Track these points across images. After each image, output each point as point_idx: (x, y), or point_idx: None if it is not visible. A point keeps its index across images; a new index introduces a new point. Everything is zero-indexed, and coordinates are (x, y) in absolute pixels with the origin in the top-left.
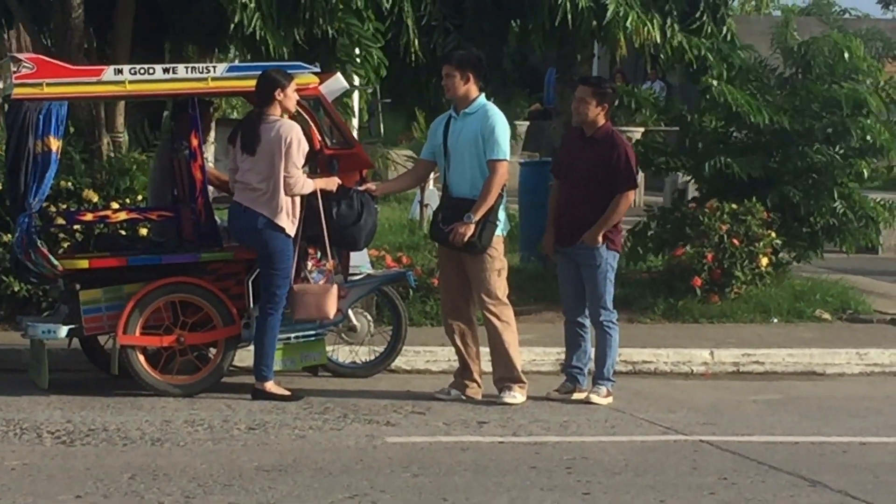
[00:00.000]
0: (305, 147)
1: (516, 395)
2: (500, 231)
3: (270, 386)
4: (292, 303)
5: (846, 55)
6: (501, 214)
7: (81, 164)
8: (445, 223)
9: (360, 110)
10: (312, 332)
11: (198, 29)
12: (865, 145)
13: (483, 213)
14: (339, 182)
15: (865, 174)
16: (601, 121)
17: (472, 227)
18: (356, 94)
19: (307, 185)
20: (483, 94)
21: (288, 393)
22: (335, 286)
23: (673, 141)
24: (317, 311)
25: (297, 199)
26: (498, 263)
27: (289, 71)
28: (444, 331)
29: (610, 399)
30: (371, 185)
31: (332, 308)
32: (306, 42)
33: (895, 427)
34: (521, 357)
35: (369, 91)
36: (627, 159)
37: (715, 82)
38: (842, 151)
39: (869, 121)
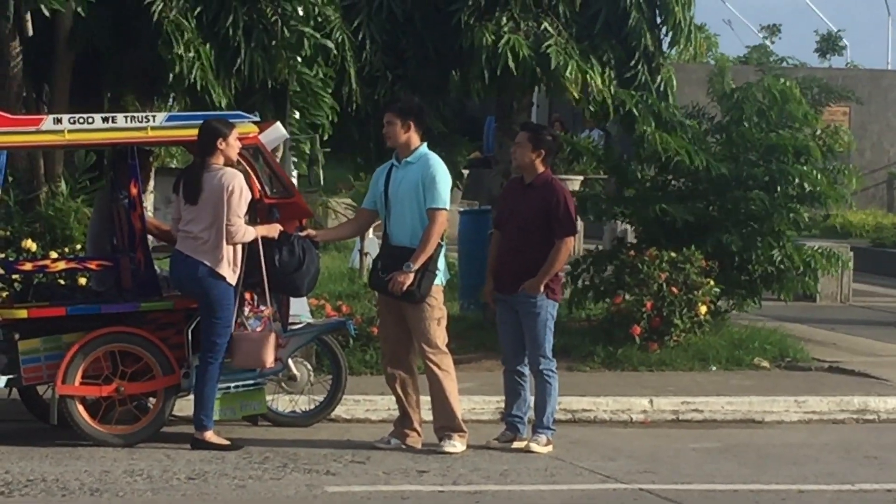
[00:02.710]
0: (248, 196)
1: (456, 444)
2: (439, 280)
3: (210, 435)
4: (230, 349)
5: (780, 100)
6: (441, 263)
7: (19, 212)
8: (385, 272)
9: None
10: (252, 382)
11: (137, 78)
12: (803, 193)
13: (422, 262)
14: (281, 229)
15: (802, 223)
16: (539, 167)
17: (412, 276)
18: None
19: (249, 233)
20: (425, 143)
21: (227, 442)
22: (273, 334)
23: (612, 189)
24: (254, 359)
25: (239, 248)
26: (437, 312)
27: (229, 120)
28: (385, 379)
29: (550, 448)
30: (311, 232)
31: (269, 356)
32: (244, 91)
33: (833, 475)
34: (461, 406)
35: (315, 138)
36: (566, 206)
37: (648, 129)
38: (779, 200)
39: (806, 167)
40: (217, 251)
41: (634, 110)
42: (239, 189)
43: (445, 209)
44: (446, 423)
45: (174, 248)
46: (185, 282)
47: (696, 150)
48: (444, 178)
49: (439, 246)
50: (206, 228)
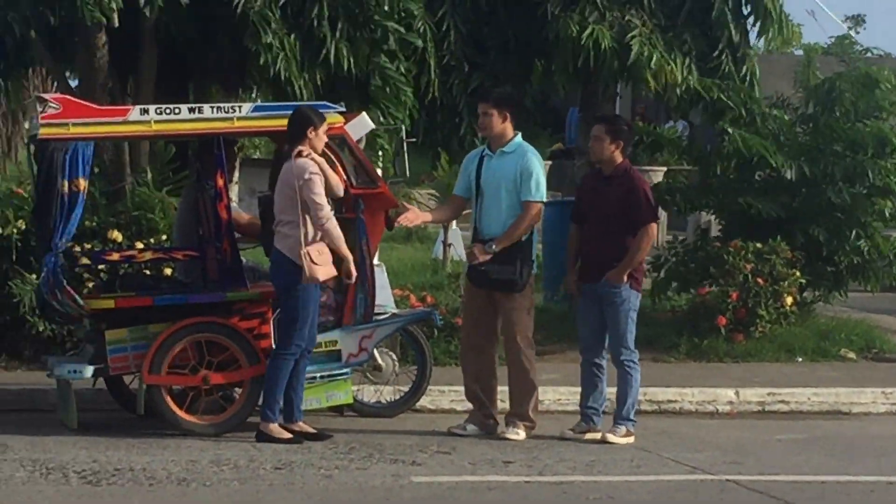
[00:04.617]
0: (321, 178)
1: (520, 433)
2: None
3: (273, 428)
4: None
5: (880, 87)
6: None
7: (105, 203)
8: (485, 263)
9: (385, 150)
10: (338, 372)
11: (221, 70)
12: (885, 186)
13: (504, 245)
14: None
15: (888, 213)
16: (618, 158)
17: (488, 256)
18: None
19: (334, 221)
20: (520, 134)
21: (289, 436)
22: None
23: (696, 180)
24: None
25: (324, 244)
26: (528, 302)
27: (320, 111)
28: (462, 367)
29: (630, 439)
30: (411, 215)
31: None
32: (328, 83)
33: None
34: (546, 396)
35: (399, 133)
36: (646, 193)
37: (730, 129)
38: (864, 191)
39: (887, 163)
40: (291, 240)
41: (723, 97)
42: (310, 174)
43: (542, 202)
44: (518, 410)
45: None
46: (272, 274)
47: (775, 150)
48: (541, 170)
49: (531, 236)
50: (287, 222)
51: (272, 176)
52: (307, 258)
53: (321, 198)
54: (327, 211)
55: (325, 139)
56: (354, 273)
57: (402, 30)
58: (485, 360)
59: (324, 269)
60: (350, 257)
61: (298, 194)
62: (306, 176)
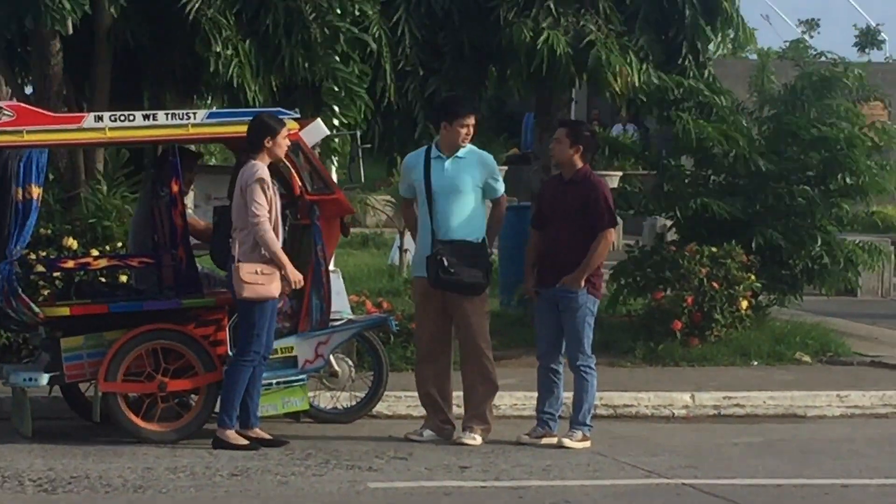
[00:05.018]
0: (267, 182)
1: (476, 437)
2: None
3: (231, 434)
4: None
5: (835, 89)
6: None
7: (60, 211)
8: (452, 268)
9: (340, 154)
10: (294, 378)
11: (175, 76)
12: (846, 186)
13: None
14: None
15: (845, 219)
16: (578, 163)
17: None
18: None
19: (270, 233)
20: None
21: (246, 442)
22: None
23: (651, 184)
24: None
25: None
26: (487, 305)
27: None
28: (417, 373)
29: (586, 444)
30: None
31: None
32: (284, 88)
33: (876, 469)
34: (503, 401)
35: (355, 135)
36: (606, 198)
37: (685, 115)
38: (823, 193)
39: (863, 158)
40: (244, 249)
41: (684, 83)
42: (256, 178)
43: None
44: (476, 412)
45: None
46: (230, 281)
47: (737, 136)
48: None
49: (486, 237)
50: (241, 228)
51: (231, 184)
52: (236, 273)
53: (259, 207)
54: (263, 218)
55: (286, 146)
56: (299, 277)
57: (353, 29)
58: (441, 364)
59: (252, 288)
60: (287, 263)
61: (244, 199)
62: (251, 182)
